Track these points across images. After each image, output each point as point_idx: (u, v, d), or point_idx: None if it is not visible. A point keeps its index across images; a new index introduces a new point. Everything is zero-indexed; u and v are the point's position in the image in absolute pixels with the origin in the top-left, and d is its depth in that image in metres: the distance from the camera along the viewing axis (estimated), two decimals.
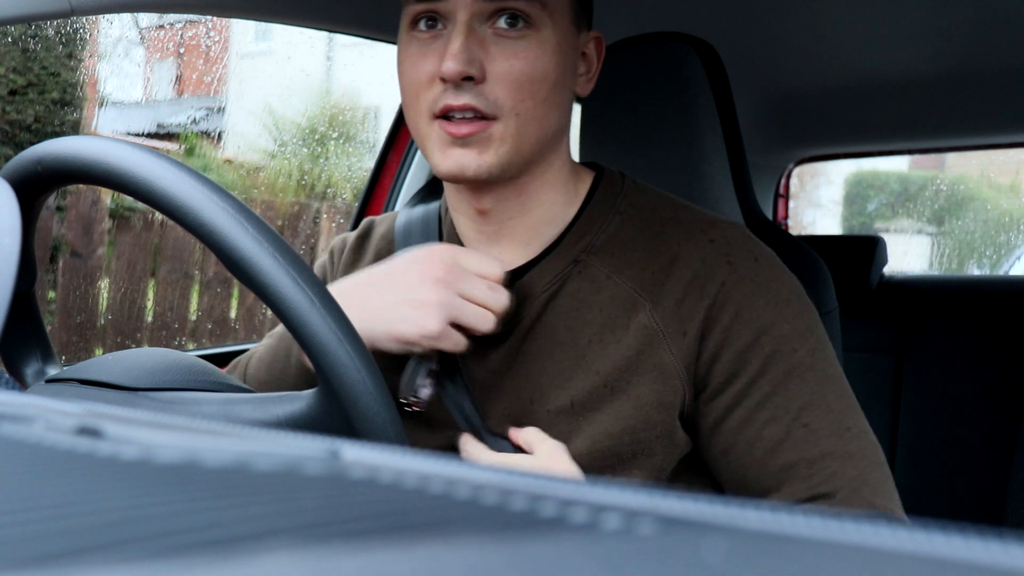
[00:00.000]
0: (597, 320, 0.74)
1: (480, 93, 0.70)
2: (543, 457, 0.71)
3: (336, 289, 0.75)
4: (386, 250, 0.88)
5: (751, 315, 0.72)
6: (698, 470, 0.77)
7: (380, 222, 0.93)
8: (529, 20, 0.71)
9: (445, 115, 0.71)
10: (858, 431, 0.72)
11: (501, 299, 0.72)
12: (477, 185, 0.75)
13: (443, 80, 0.70)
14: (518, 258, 0.79)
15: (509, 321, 0.75)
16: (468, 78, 0.69)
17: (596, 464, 0.73)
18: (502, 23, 0.71)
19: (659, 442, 0.73)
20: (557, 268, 0.77)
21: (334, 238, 0.97)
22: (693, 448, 0.76)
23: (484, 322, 0.71)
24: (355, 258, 0.91)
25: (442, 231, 0.85)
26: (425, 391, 0.75)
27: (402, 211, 0.91)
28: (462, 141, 0.71)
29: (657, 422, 0.72)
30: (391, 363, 0.77)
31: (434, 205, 0.88)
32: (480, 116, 0.70)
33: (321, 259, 0.96)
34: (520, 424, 0.75)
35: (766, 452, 0.71)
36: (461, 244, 0.82)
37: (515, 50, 0.71)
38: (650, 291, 0.74)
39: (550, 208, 0.78)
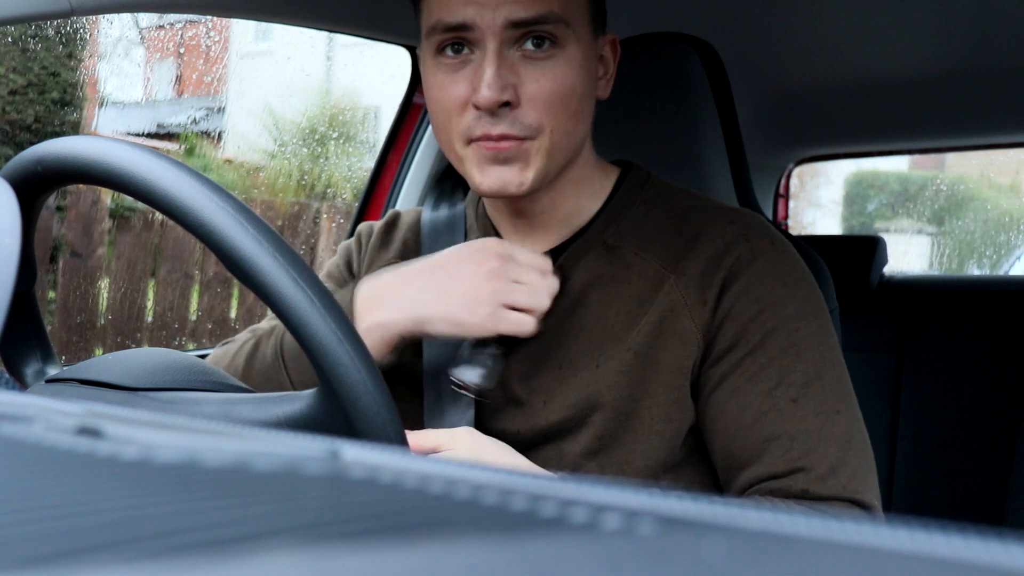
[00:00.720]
0: (626, 294, 0.78)
1: (516, 118, 0.72)
2: (464, 448, 0.72)
3: (389, 276, 0.78)
4: (413, 241, 0.91)
5: (759, 290, 0.75)
6: (701, 450, 0.79)
7: (406, 214, 0.96)
8: (555, 39, 0.72)
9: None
10: (848, 417, 0.74)
11: (552, 284, 0.76)
12: (530, 193, 0.78)
13: (476, 107, 0.72)
14: (551, 242, 0.83)
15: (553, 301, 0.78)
16: (504, 103, 0.71)
17: (613, 428, 0.75)
18: (529, 45, 0.72)
19: (675, 406, 0.75)
20: (589, 250, 0.81)
21: (361, 224, 0.99)
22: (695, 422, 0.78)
23: (539, 303, 0.75)
24: (382, 243, 0.93)
25: (466, 228, 0.89)
26: (479, 375, 0.77)
27: (425, 208, 0.94)
28: (503, 158, 0.73)
29: (674, 386, 0.75)
30: (442, 349, 0.81)
31: (460, 206, 0.92)
32: (518, 137, 0.73)
33: (346, 242, 0.98)
34: (549, 390, 0.77)
35: (753, 420, 0.73)
36: (498, 235, 0.86)
37: (544, 71, 0.72)
38: (674, 266, 0.78)
39: (578, 201, 0.82)
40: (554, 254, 0.81)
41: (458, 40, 0.73)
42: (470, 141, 0.74)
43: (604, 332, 0.77)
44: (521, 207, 0.82)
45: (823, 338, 0.76)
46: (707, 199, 0.84)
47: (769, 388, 0.73)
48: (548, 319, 0.78)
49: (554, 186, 0.80)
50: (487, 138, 0.73)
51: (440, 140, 0.78)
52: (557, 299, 0.78)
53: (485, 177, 0.74)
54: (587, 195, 0.83)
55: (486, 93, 0.70)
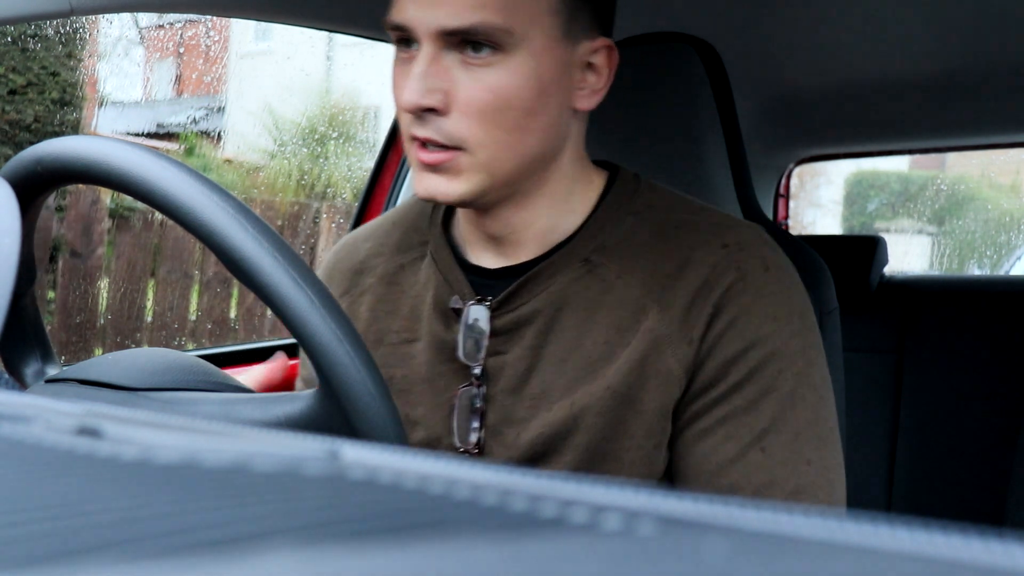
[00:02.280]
0: (605, 322, 0.73)
1: (442, 127, 0.68)
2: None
3: None
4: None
5: (745, 326, 0.70)
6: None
7: (364, 239, 0.88)
8: (497, 46, 0.67)
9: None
10: (819, 467, 0.70)
11: None
12: (465, 205, 0.74)
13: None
14: (526, 255, 0.77)
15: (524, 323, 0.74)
16: (430, 109, 0.67)
17: (590, 464, 0.72)
18: (468, 50, 0.67)
19: (656, 450, 0.72)
20: (567, 267, 0.75)
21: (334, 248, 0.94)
22: None
23: None
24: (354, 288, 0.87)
25: (430, 237, 0.83)
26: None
27: (387, 221, 0.89)
28: (432, 168, 0.69)
29: (657, 431, 0.71)
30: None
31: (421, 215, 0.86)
32: (447, 146, 0.68)
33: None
34: (519, 422, 0.74)
35: (717, 467, 0.70)
36: (456, 249, 0.80)
37: (478, 79, 0.67)
38: (658, 295, 0.72)
39: (553, 217, 0.76)
40: (529, 266, 0.76)
41: (405, 37, 0.70)
42: (412, 139, 0.70)
43: (581, 363, 0.73)
44: (486, 224, 0.76)
45: (808, 378, 0.71)
46: (703, 210, 0.77)
47: (739, 435, 0.70)
48: (521, 342, 0.74)
49: (524, 203, 0.74)
50: (416, 140, 0.69)
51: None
52: (528, 320, 0.74)
53: (418, 183, 0.71)
54: (566, 210, 0.76)
55: (407, 96, 0.67)
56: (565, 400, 0.72)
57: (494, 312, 0.75)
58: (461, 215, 0.80)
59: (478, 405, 0.75)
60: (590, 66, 0.73)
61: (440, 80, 0.67)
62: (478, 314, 0.76)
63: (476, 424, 0.75)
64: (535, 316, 0.74)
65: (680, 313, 0.71)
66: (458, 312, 0.77)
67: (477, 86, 0.67)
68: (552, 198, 0.76)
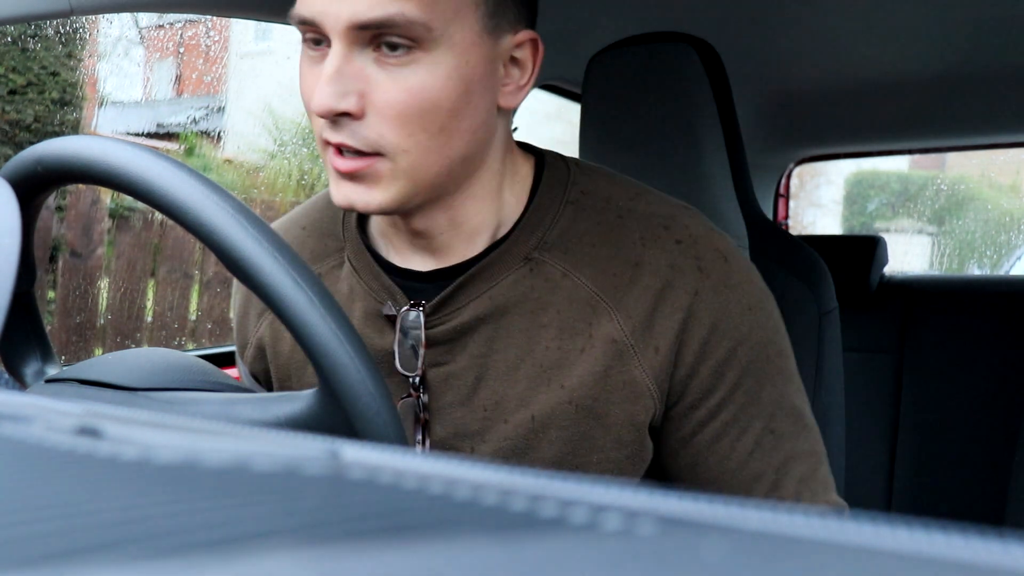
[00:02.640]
0: (555, 323, 0.69)
1: (357, 131, 0.62)
2: None
3: None
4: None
5: (727, 325, 0.69)
6: (654, 477, 0.76)
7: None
8: (415, 43, 0.61)
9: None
10: (810, 424, 0.74)
11: None
12: (387, 213, 0.67)
13: None
14: (458, 256, 0.72)
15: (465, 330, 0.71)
16: (345, 113, 0.61)
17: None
18: (384, 48, 0.61)
19: (628, 461, 0.70)
20: (508, 266, 0.70)
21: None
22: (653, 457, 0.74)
23: None
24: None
25: (346, 242, 0.78)
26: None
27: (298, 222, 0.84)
28: (349, 176, 0.64)
29: (627, 442, 0.70)
30: None
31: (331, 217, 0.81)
32: (364, 152, 0.63)
33: None
34: (474, 435, 0.71)
35: (738, 464, 0.71)
36: (376, 253, 0.75)
37: (396, 79, 0.61)
38: (614, 297, 0.69)
39: (484, 214, 0.71)
40: (464, 267, 0.71)
41: (315, 33, 0.63)
42: (326, 145, 0.64)
43: (534, 369, 0.69)
44: (411, 223, 0.70)
45: (786, 351, 0.73)
46: (639, 193, 0.73)
47: (750, 426, 0.70)
48: (465, 350, 0.71)
49: (450, 204, 0.69)
50: (330, 146, 0.63)
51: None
52: (471, 328, 0.70)
53: (335, 191, 0.65)
54: (497, 206, 0.71)
55: (318, 99, 0.60)
56: (523, 412, 0.69)
57: (430, 317, 0.71)
58: (390, 225, 0.74)
59: (421, 416, 0.72)
60: (514, 60, 0.68)
61: (354, 81, 0.61)
62: (413, 320, 0.71)
63: (419, 436, 0.72)
64: (478, 323, 0.70)
65: (642, 320, 0.68)
66: (392, 319, 0.72)
67: (395, 87, 0.61)
68: (481, 198, 0.70)
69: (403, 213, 0.69)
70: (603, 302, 0.69)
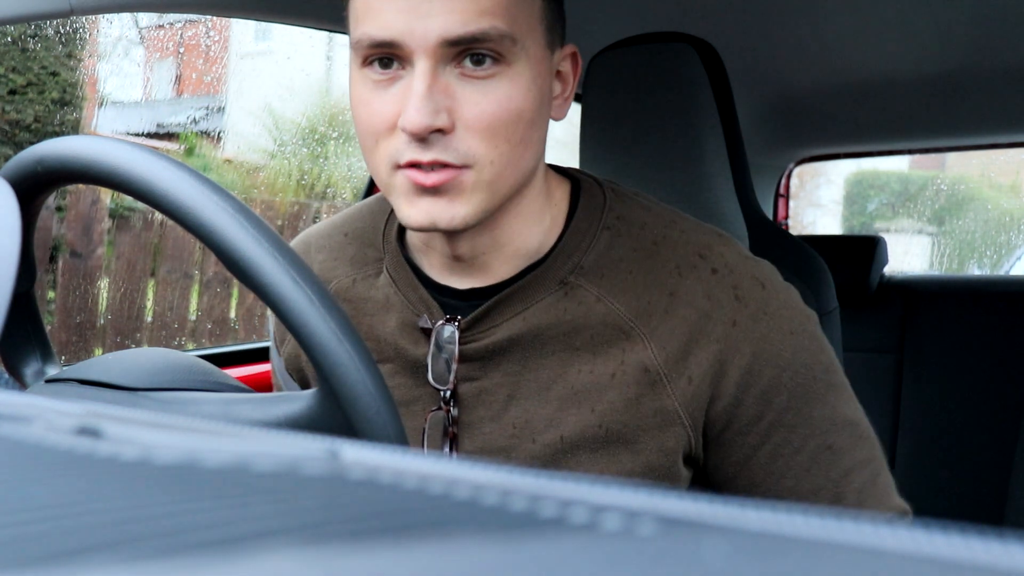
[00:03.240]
0: (587, 347, 0.70)
1: (449, 145, 0.63)
2: None
3: None
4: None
5: (770, 352, 0.69)
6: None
7: (317, 249, 0.84)
8: (498, 57, 0.63)
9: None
10: (866, 433, 0.73)
11: None
12: (465, 230, 0.68)
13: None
14: (495, 276, 0.73)
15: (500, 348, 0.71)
16: (436, 130, 0.62)
17: None
18: (468, 63, 0.63)
19: (657, 485, 0.71)
20: (543, 289, 0.71)
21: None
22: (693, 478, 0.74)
23: None
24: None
25: (385, 253, 0.78)
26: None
27: (334, 233, 0.84)
28: (432, 190, 0.64)
29: (657, 467, 0.70)
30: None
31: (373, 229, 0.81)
32: (451, 165, 0.64)
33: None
34: (502, 452, 0.72)
35: (796, 480, 0.71)
36: (415, 267, 0.76)
37: (484, 92, 0.63)
38: (648, 325, 0.69)
39: (524, 237, 0.72)
40: (500, 287, 0.72)
41: (387, 55, 0.64)
42: (398, 167, 0.64)
43: (565, 392, 0.70)
44: (453, 247, 0.71)
45: (832, 365, 0.72)
46: (674, 220, 0.74)
47: (806, 444, 0.70)
48: (499, 368, 0.71)
49: (498, 223, 0.70)
50: (415, 166, 0.63)
51: (368, 163, 0.68)
52: (506, 348, 0.71)
53: (412, 209, 0.64)
54: (538, 229, 0.72)
55: (414, 117, 0.61)
56: (552, 432, 0.70)
57: (464, 333, 0.72)
58: (430, 247, 0.75)
59: (450, 430, 0.72)
60: (559, 74, 0.71)
61: (443, 98, 0.62)
62: (448, 335, 0.72)
63: (447, 449, 0.73)
64: (512, 344, 0.71)
65: (676, 351, 0.69)
66: (427, 332, 0.73)
67: (485, 100, 0.63)
68: (525, 217, 0.72)
69: (452, 234, 0.69)
70: (636, 329, 0.69)
